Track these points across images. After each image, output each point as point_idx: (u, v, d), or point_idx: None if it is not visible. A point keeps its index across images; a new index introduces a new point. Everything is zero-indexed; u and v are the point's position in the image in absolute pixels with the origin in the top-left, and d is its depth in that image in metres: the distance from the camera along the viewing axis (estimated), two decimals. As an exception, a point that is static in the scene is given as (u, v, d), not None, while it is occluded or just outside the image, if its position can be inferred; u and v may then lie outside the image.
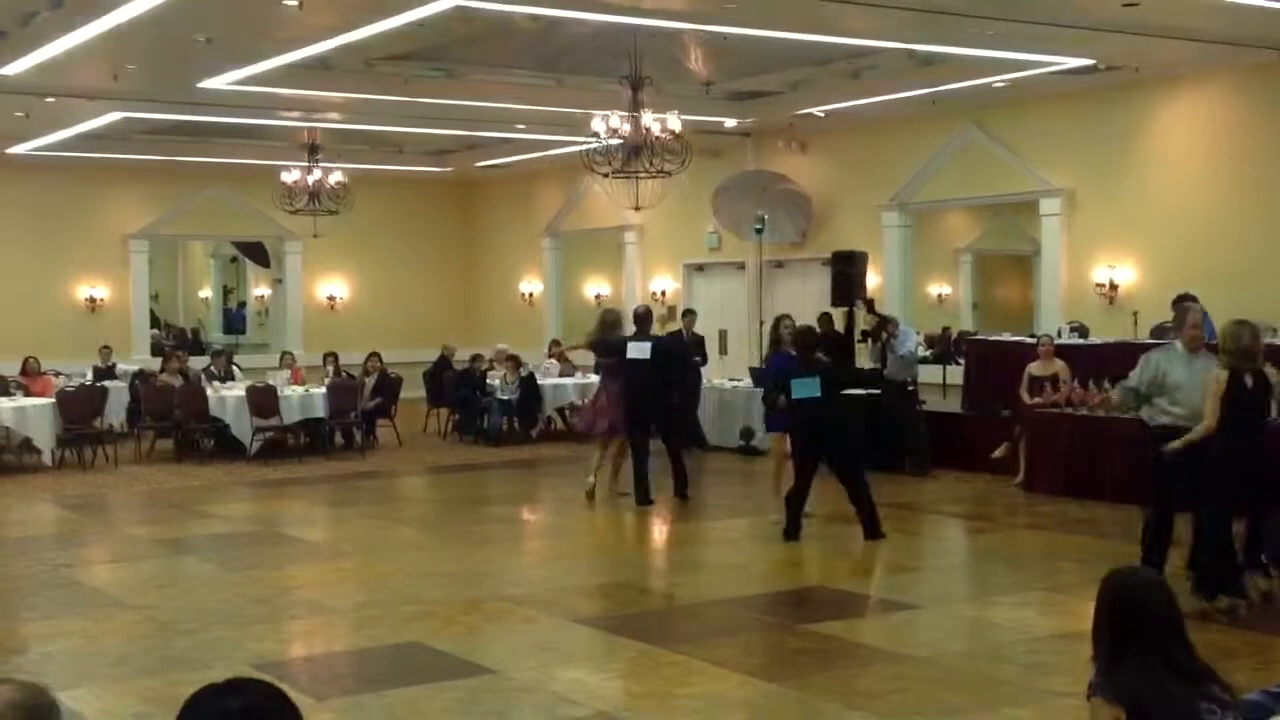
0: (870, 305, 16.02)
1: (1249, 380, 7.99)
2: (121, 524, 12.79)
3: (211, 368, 18.17)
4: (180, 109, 16.70)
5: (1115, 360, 11.01)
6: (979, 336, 16.47)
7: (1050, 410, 13.00)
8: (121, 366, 19.57)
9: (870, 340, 15.32)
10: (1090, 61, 13.95)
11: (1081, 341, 13.91)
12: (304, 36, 12.66)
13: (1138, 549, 8.73)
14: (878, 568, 10.07)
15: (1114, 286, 15.15)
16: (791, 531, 10.70)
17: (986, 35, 12.58)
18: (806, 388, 10.63)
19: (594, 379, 18.22)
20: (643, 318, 13.16)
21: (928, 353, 17.24)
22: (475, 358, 18.89)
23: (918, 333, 16.15)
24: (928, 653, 7.54)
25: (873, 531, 10.59)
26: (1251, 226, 13.91)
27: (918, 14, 11.76)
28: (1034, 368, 13.48)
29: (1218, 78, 14.22)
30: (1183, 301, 12.71)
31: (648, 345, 12.62)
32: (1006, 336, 15.59)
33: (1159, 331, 12.86)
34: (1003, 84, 15.00)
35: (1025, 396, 13.41)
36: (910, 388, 14.88)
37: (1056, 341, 13.79)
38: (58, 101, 15.53)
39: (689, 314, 17.82)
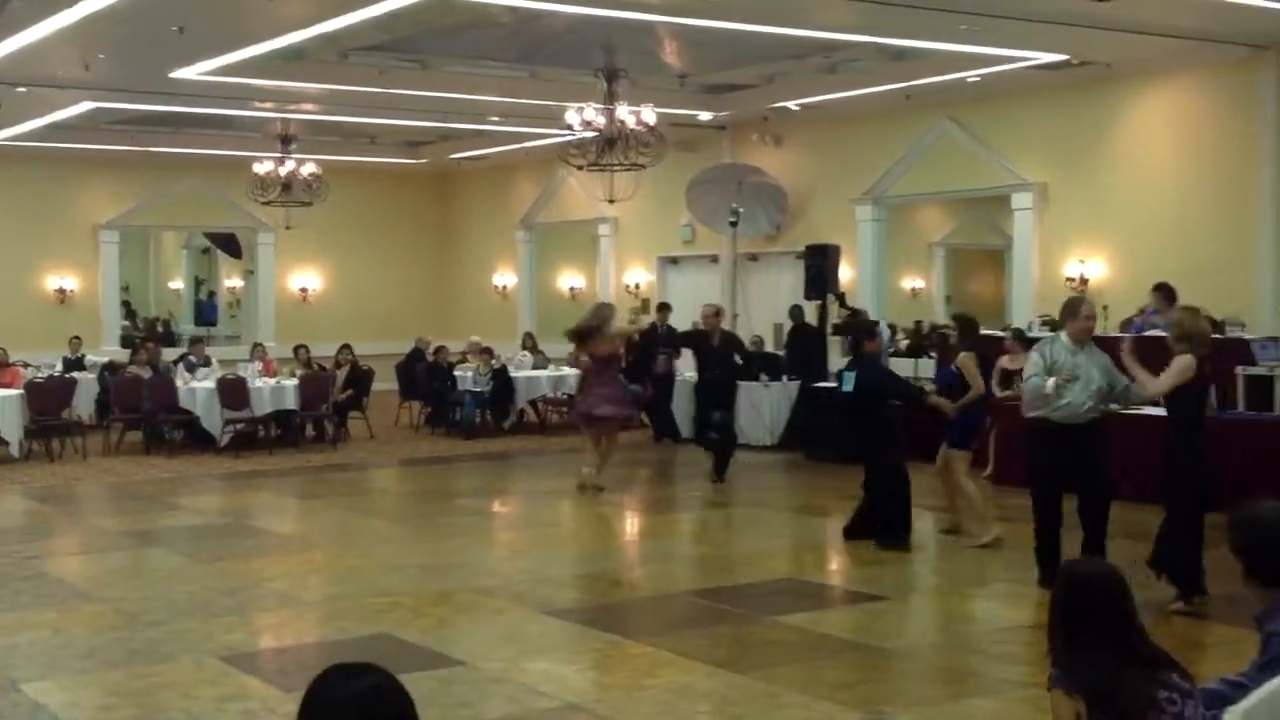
0: (843, 299, 16.06)
1: (1206, 369, 8.04)
2: (89, 516, 12.72)
3: (191, 356, 18.03)
4: (152, 99, 16.60)
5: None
6: (948, 329, 16.50)
7: (1014, 404, 13.02)
8: (91, 358, 19.44)
9: (843, 334, 15.35)
10: (1063, 57, 14.01)
11: (1053, 335, 13.93)
12: (278, 26, 12.61)
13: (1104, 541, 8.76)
14: (847, 560, 10.10)
15: (1085, 280, 15.22)
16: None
17: (960, 30, 12.62)
18: (846, 381, 10.52)
19: (568, 371, 18.31)
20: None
21: (901, 345, 17.30)
22: (440, 350, 18.83)
23: (890, 326, 16.21)
24: (895, 644, 7.58)
25: (861, 532, 10.26)
26: (1222, 221, 14.00)
27: (892, 8, 11.79)
28: (1005, 361, 13.49)
29: (1189, 73, 14.30)
30: (1160, 290, 12.82)
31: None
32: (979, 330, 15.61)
33: (1128, 325, 12.95)
34: (976, 79, 15.05)
35: (996, 389, 13.45)
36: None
37: (1028, 335, 13.83)
38: (29, 91, 15.41)
39: (664, 308, 17.85)
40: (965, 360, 10.28)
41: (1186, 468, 7.98)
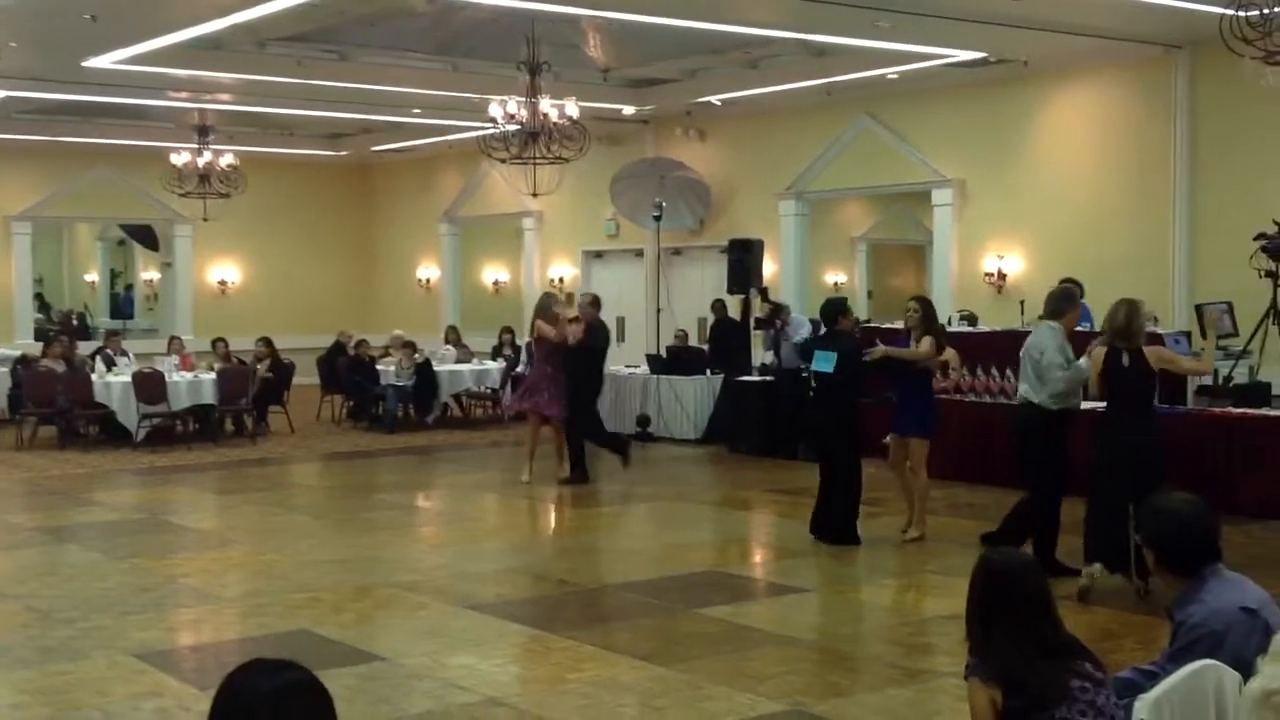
0: (765, 293, 16.14)
1: (1125, 359, 8.14)
2: (1, 512, 12.45)
3: (106, 349, 17.72)
4: (65, 88, 16.30)
5: (1003, 348, 11.21)
6: (873, 325, 16.64)
7: (940, 397, 13.18)
8: (3, 351, 19.08)
9: (765, 328, 15.44)
10: (981, 54, 14.18)
11: (971, 329, 14.13)
12: (194, 15, 12.43)
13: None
14: (769, 553, 10.15)
15: (1003, 276, 15.45)
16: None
17: (879, 27, 12.72)
18: (823, 361, 9.96)
19: (491, 365, 18.23)
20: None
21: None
22: (362, 343, 18.68)
23: (813, 320, 16.28)
24: (815, 635, 7.64)
25: (838, 535, 9.98)
26: (1136, 218, 14.25)
27: (812, 4, 11.86)
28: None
29: (1105, 72, 14.54)
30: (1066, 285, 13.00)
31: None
32: (900, 325, 15.76)
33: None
34: (895, 76, 15.20)
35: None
36: (804, 375, 15.01)
37: (947, 329, 13.99)
38: (-64, 78, 15.09)
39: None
40: (926, 342, 10.11)
41: (1105, 453, 8.17)
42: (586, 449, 13.17)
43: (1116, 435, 8.13)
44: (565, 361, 12.89)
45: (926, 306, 10.22)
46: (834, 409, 9.99)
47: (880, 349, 9.98)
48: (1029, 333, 11.86)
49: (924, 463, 10.08)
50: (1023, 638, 3.57)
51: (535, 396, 12.99)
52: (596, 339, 13.12)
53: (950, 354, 10.29)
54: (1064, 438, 8.74)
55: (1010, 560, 3.83)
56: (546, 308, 13.03)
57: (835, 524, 9.94)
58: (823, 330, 10.44)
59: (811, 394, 10.40)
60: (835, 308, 10.26)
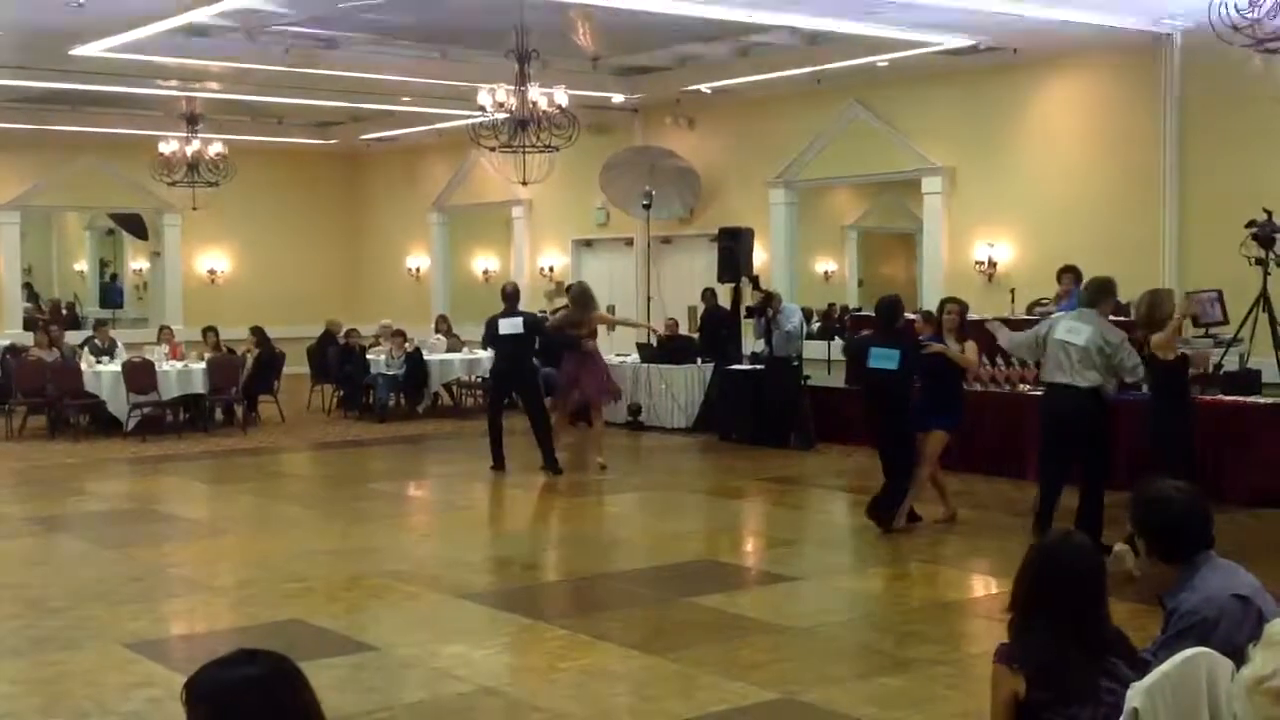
0: (756, 281, 16.14)
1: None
2: (-9, 502, 12.44)
3: (95, 340, 17.64)
4: (53, 76, 16.21)
5: (993, 336, 11.18)
6: (863, 313, 16.68)
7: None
8: (-9, 341, 19.00)
9: (756, 316, 15.44)
10: (971, 42, 14.16)
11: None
12: (182, 2, 12.36)
13: (1014, 520, 8.91)
14: (761, 541, 10.17)
15: (993, 264, 15.45)
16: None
17: (869, 14, 12.70)
18: (885, 358, 9.95)
19: (482, 355, 18.20)
20: (511, 295, 13.43)
21: (814, 328, 17.45)
22: (351, 333, 18.66)
23: (805, 310, 16.32)
24: (807, 624, 7.65)
25: (885, 519, 9.96)
26: (1126, 205, 14.26)
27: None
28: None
29: (1094, 59, 14.53)
30: (1066, 273, 13.05)
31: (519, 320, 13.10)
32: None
33: (1036, 308, 13.15)
34: (885, 63, 15.18)
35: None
36: (795, 363, 15.06)
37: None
38: (-78, 67, 15.01)
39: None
40: (970, 346, 10.21)
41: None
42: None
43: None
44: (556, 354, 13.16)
45: (965, 309, 10.39)
46: (897, 405, 9.96)
47: (937, 346, 10.06)
48: (1020, 320, 11.95)
49: (937, 455, 10.25)
50: (1064, 627, 3.51)
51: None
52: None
53: (970, 346, 10.33)
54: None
55: (1067, 545, 3.74)
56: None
57: (879, 503, 9.98)
58: (869, 330, 10.65)
59: (869, 393, 10.31)
60: (896, 307, 10.27)
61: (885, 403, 10.01)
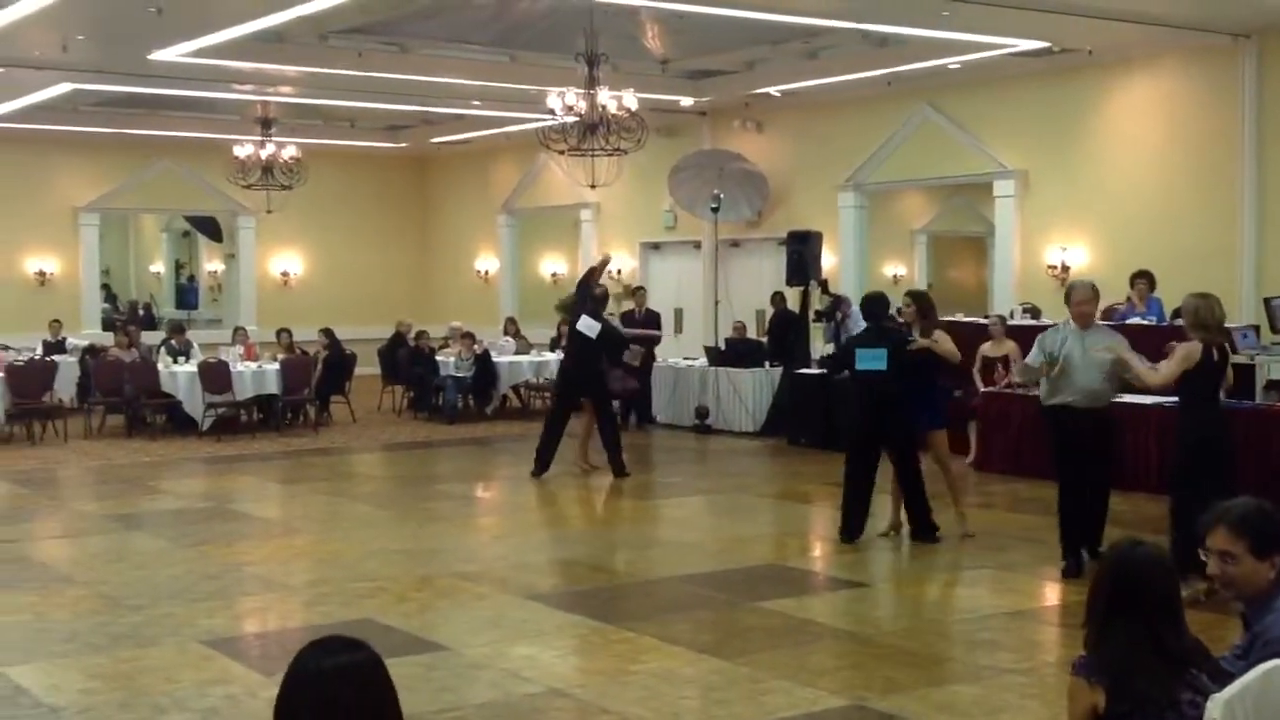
0: (825, 285, 16.08)
1: (1215, 354, 8.04)
2: (71, 499, 12.67)
3: (172, 342, 17.91)
4: (131, 81, 16.51)
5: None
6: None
7: (1001, 390, 13.11)
8: (71, 341, 19.36)
9: (824, 320, 15.38)
10: (1044, 44, 14.03)
11: (1033, 322, 14.00)
12: (257, 8, 12.55)
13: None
14: (829, 546, 10.12)
15: (1066, 268, 15.28)
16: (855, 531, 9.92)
17: (941, 16, 12.62)
18: (873, 359, 9.63)
19: (550, 357, 18.27)
20: (601, 299, 13.45)
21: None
22: (421, 334, 18.82)
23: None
24: (876, 630, 7.61)
25: (924, 531, 9.78)
26: (1201, 208, 14.05)
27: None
28: (986, 348, 13.58)
29: (1169, 60, 14.34)
30: (1140, 279, 12.87)
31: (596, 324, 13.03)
32: (960, 317, 15.66)
33: (1109, 313, 12.99)
34: (958, 65, 15.08)
35: (978, 377, 13.52)
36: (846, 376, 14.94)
37: (1009, 322, 13.90)
38: (6, 72, 15.31)
39: (639, 291, 17.91)
40: (942, 336, 10.05)
41: (1185, 448, 8.04)
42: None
43: (1198, 430, 8.05)
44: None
45: (922, 301, 10.06)
46: (895, 404, 9.65)
47: (922, 341, 9.74)
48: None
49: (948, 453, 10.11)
50: (1140, 638, 3.45)
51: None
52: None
53: (1010, 346, 10.19)
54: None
55: (1139, 556, 3.65)
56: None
57: (916, 520, 9.80)
58: (854, 329, 10.29)
59: (860, 396, 9.98)
60: (883, 304, 10.04)
61: (881, 405, 9.65)
